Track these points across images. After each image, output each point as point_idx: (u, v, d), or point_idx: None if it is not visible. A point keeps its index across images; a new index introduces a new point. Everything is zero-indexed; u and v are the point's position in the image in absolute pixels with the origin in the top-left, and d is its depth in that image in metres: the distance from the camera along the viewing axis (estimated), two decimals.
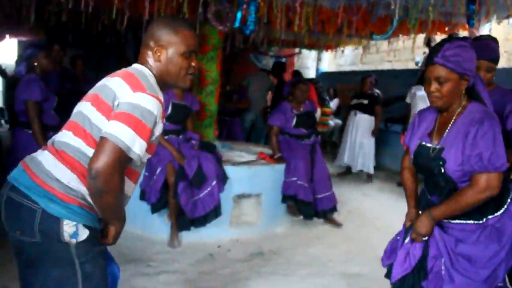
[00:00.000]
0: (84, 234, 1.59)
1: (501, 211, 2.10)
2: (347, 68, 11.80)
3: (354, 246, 4.26)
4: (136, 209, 4.08)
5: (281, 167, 4.59)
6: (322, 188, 4.76)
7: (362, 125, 7.15)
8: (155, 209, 4.01)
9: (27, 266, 1.64)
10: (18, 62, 4.13)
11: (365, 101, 7.11)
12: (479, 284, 2.07)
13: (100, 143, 1.51)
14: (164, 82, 1.78)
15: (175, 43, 1.73)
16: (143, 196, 4.06)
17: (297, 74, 7.95)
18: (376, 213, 5.43)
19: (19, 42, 9.55)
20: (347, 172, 7.44)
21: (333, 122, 9.37)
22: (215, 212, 3.99)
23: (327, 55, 11.36)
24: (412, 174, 2.44)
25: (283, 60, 9.96)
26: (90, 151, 1.58)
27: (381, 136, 7.48)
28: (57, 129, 1.76)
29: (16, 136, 3.98)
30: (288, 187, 4.52)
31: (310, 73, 11.44)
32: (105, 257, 1.84)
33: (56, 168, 1.60)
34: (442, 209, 2.11)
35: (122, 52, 8.35)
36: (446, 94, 2.07)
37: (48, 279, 1.60)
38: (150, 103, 1.57)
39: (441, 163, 2.11)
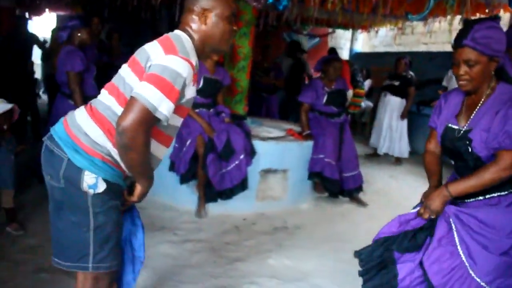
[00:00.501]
0: (102, 187, 1.69)
1: None
2: (382, 49, 11.62)
3: (377, 225, 4.20)
4: (166, 180, 4.21)
5: (309, 144, 4.63)
6: (349, 167, 4.78)
7: (391, 108, 7.04)
8: (183, 180, 4.11)
9: (54, 208, 1.78)
10: (59, 29, 4.28)
11: (397, 83, 6.99)
12: (503, 259, 2.02)
13: (129, 102, 1.59)
14: (207, 46, 1.83)
15: (219, 7, 1.79)
16: (172, 168, 4.17)
17: (332, 51, 7.90)
18: (402, 194, 5.41)
19: (58, 16, 9.78)
20: (375, 154, 7.40)
21: (364, 103, 9.29)
22: (242, 185, 4.07)
23: (361, 36, 11.20)
24: (436, 158, 2.40)
25: (316, 39, 9.90)
26: (119, 110, 1.67)
27: (412, 119, 7.37)
28: None
29: (57, 104, 4.12)
30: (314, 164, 4.56)
31: (344, 54, 11.32)
32: (132, 214, 1.96)
33: (86, 123, 1.71)
34: (461, 184, 2.06)
35: (156, 28, 8.44)
36: (475, 77, 2.03)
37: (67, 222, 1.73)
38: (181, 66, 1.62)
39: (467, 142, 2.09)
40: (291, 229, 4.04)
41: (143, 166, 1.69)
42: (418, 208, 2.24)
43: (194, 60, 1.72)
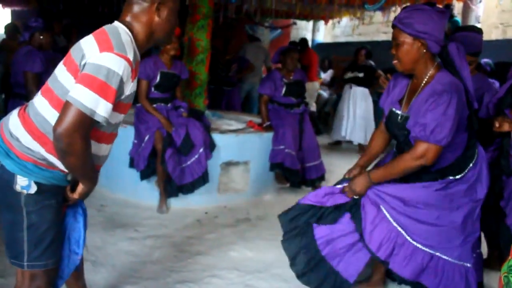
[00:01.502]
0: (35, 188, 1.68)
1: (461, 175, 2.16)
2: (343, 39, 11.73)
3: None
4: (126, 177, 4.17)
5: (269, 135, 4.64)
6: (311, 157, 4.82)
7: (359, 98, 7.10)
8: (143, 176, 4.07)
9: None
10: (24, 29, 4.20)
11: (360, 74, 7.06)
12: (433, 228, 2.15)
13: (64, 106, 1.54)
14: (153, 39, 1.80)
15: (172, 1, 1.77)
16: (132, 164, 4.12)
17: (303, 42, 7.91)
18: None
19: (13, 12, 9.50)
20: (338, 143, 7.47)
21: (326, 93, 9.37)
22: (203, 179, 4.06)
23: (323, 27, 11.29)
24: (382, 137, 2.48)
25: (278, 31, 9.93)
26: (51, 113, 1.63)
27: (373, 108, 7.47)
28: None
29: (12, 106, 4.01)
30: (275, 155, 4.58)
31: None
32: (75, 210, 1.92)
33: (16, 129, 1.69)
34: (380, 172, 2.18)
35: (113, 21, 8.29)
36: (401, 57, 2.11)
37: (5, 220, 1.75)
38: (116, 63, 1.57)
39: (406, 133, 2.16)
40: (253, 220, 4.06)
41: (84, 169, 1.67)
42: (344, 185, 2.32)
43: (131, 55, 1.65)
